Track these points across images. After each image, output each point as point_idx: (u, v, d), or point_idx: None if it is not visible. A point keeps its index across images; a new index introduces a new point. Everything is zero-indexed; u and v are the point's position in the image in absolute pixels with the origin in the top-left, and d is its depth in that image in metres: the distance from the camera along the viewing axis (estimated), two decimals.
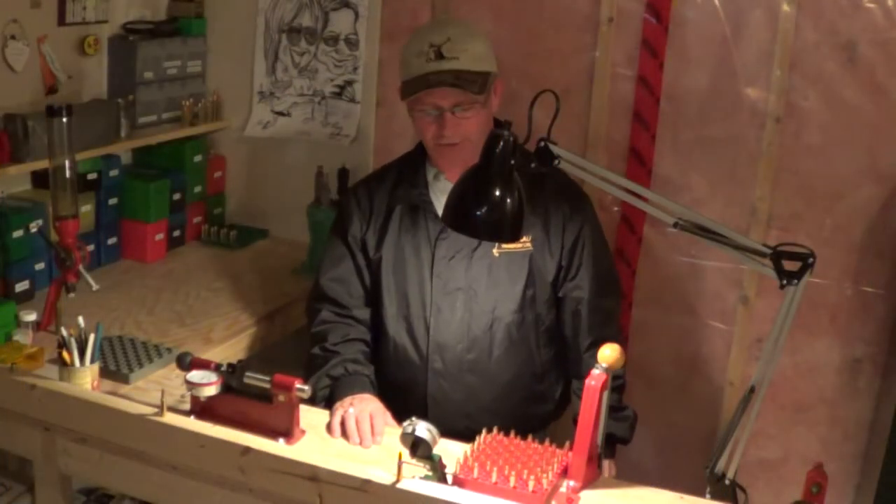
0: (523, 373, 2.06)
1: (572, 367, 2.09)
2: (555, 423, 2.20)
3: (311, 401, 1.93)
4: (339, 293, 2.06)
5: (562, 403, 2.17)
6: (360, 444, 1.79)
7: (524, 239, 2.00)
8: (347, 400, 1.88)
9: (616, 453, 2.09)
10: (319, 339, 2.03)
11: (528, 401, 2.10)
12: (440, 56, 1.90)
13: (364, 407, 1.85)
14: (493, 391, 2.04)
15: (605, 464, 2.06)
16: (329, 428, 1.84)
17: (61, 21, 2.62)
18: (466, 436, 1.79)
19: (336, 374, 1.96)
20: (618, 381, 2.07)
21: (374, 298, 2.09)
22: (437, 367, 2.03)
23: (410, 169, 2.08)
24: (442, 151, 1.98)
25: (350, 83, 2.90)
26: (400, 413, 1.83)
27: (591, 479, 1.71)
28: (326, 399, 1.96)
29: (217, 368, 1.80)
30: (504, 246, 2.00)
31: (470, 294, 2.00)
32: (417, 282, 2.02)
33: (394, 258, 2.04)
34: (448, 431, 1.83)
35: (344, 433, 1.81)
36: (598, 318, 2.04)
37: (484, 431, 1.79)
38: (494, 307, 2.01)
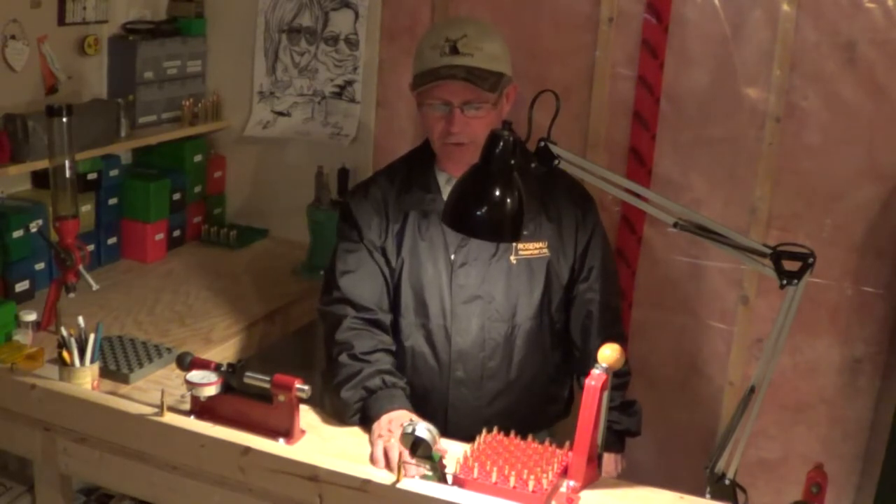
0: (539, 375, 2.06)
1: (579, 365, 2.09)
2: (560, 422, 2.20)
3: (342, 415, 1.88)
4: (360, 296, 1.97)
5: (569, 402, 2.18)
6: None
7: (539, 245, 1.99)
8: (385, 421, 1.79)
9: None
10: (345, 347, 1.92)
11: (543, 402, 2.10)
12: (455, 51, 1.89)
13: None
14: (511, 396, 2.03)
15: (617, 458, 2.07)
16: (373, 459, 1.74)
17: (61, 21, 2.62)
18: None
19: (373, 387, 1.86)
20: (625, 378, 2.08)
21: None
22: (459, 376, 2.01)
23: (419, 170, 2.05)
24: (448, 151, 1.96)
25: (350, 83, 2.90)
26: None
27: (591, 479, 1.71)
28: (360, 411, 1.87)
29: (217, 368, 1.80)
30: (521, 252, 1.98)
31: (489, 301, 1.98)
32: (436, 290, 1.99)
33: (410, 265, 2.00)
34: (465, 437, 1.82)
35: (388, 464, 1.71)
36: (609, 317, 2.05)
37: (484, 431, 1.79)
38: (514, 314, 1.99)
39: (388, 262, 2.01)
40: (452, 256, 1.98)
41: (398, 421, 1.76)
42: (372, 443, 1.78)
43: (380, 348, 1.93)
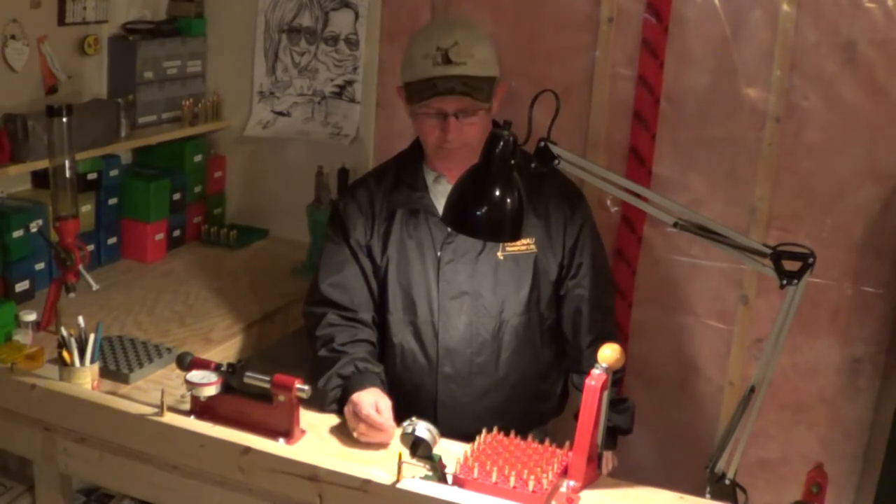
0: (529, 372, 2.07)
1: (572, 362, 2.10)
2: (555, 420, 2.20)
3: (321, 403, 1.91)
4: (342, 298, 2.02)
5: (562, 399, 2.18)
6: (383, 433, 1.78)
7: (527, 241, 2.00)
8: (354, 397, 1.83)
9: (616, 449, 2.11)
10: (326, 341, 1.98)
11: (534, 399, 2.11)
12: (447, 61, 1.89)
13: (368, 399, 1.81)
14: (501, 392, 2.04)
15: (608, 455, 2.07)
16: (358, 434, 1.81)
17: (61, 21, 2.61)
18: (474, 437, 1.78)
19: (346, 373, 1.91)
20: (617, 375, 2.08)
21: (378, 303, 2.07)
22: (447, 372, 2.02)
23: (408, 170, 2.07)
24: (443, 155, 1.98)
25: (350, 83, 2.90)
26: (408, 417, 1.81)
27: (591, 479, 1.71)
28: (338, 400, 1.90)
29: (217, 368, 1.80)
30: (508, 248, 1.99)
31: (476, 297, 2.00)
32: (424, 286, 2.01)
33: (398, 263, 2.02)
34: (457, 434, 1.83)
35: (368, 428, 1.79)
36: (598, 315, 2.06)
37: (484, 431, 1.79)
38: (501, 310, 2.01)
39: (373, 261, 2.04)
40: (439, 253, 1.99)
41: (365, 394, 1.81)
42: (350, 427, 1.83)
43: (358, 339, 1.98)
